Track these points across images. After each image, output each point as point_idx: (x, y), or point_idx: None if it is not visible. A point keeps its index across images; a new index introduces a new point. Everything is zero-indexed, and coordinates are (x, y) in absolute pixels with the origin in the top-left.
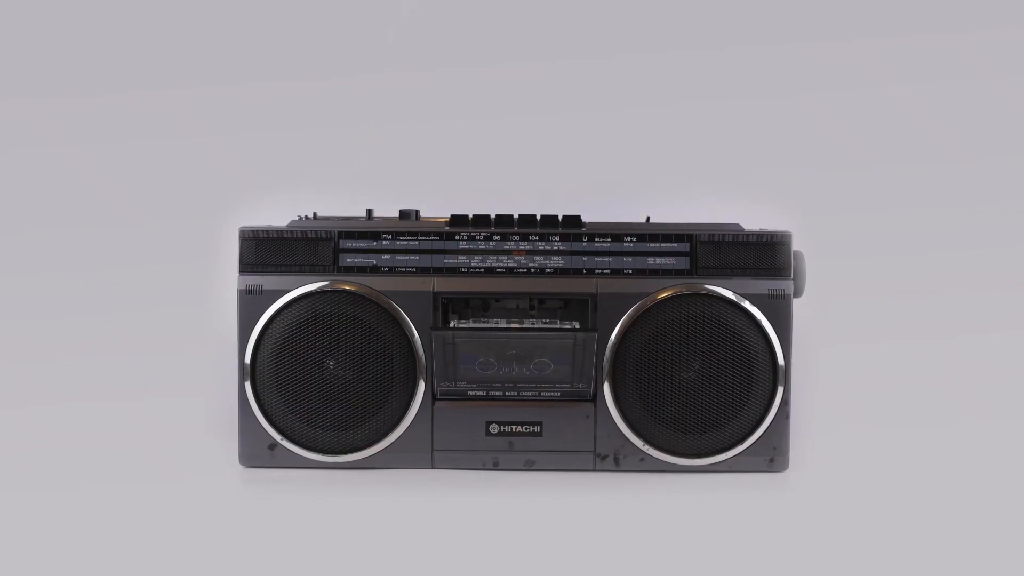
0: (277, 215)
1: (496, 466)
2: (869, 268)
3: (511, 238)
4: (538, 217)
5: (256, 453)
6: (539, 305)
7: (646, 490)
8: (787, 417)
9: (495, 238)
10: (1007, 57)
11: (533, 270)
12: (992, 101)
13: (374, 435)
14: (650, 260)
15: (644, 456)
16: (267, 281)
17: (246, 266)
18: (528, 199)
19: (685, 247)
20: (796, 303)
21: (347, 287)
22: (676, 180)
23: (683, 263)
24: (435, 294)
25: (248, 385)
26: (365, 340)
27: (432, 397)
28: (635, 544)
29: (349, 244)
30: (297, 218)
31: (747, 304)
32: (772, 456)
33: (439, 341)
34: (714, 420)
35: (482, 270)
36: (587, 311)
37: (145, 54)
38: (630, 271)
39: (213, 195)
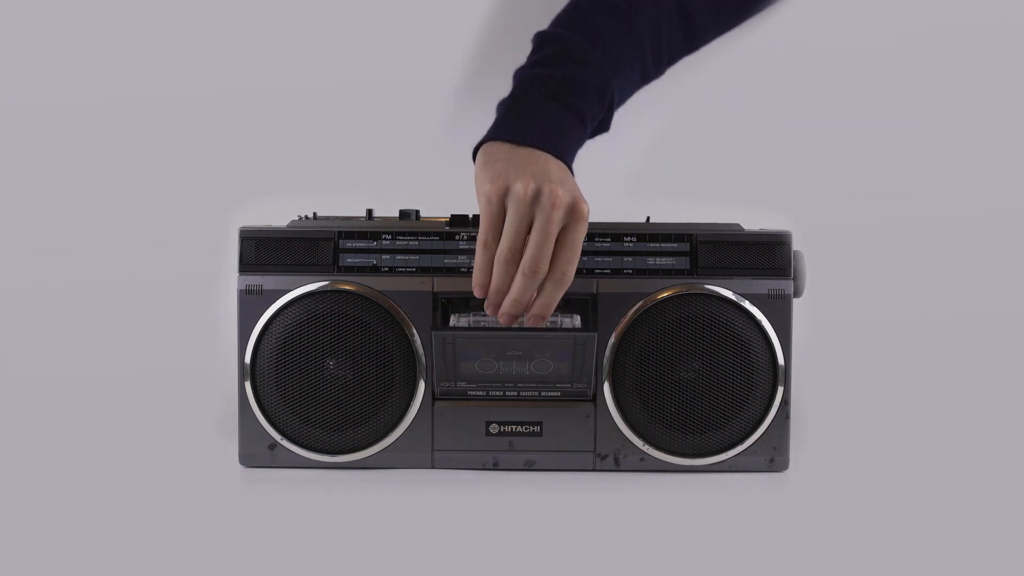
0: (277, 215)
1: (496, 466)
2: (869, 268)
3: None
4: None
5: (256, 453)
6: None
7: (646, 490)
8: (787, 417)
9: None
10: (1008, 56)
11: None
12: (992, 100)
13: (374, 435)
14: (650, 260)
15: (644, 456)
16: (267, 281)
17: (246, 266)
18: None
19: (685, 247)
20: (796, 303)
21: (347, 287)
22: (677, 180)
23: (683, 263)
24: (435, 294)
25: (248, 385)
26: (365, 340)
27: (432, 397)
28: (635, 544)
29: (349, 244)
30: (297, 218)
31: (747, 304)
32: (772, 456)
33: (439, 341)
34: (714, 420)
35: None
36: (587, 311)
37: (145, 55)
38: (630, 271)
39: (213, 195)
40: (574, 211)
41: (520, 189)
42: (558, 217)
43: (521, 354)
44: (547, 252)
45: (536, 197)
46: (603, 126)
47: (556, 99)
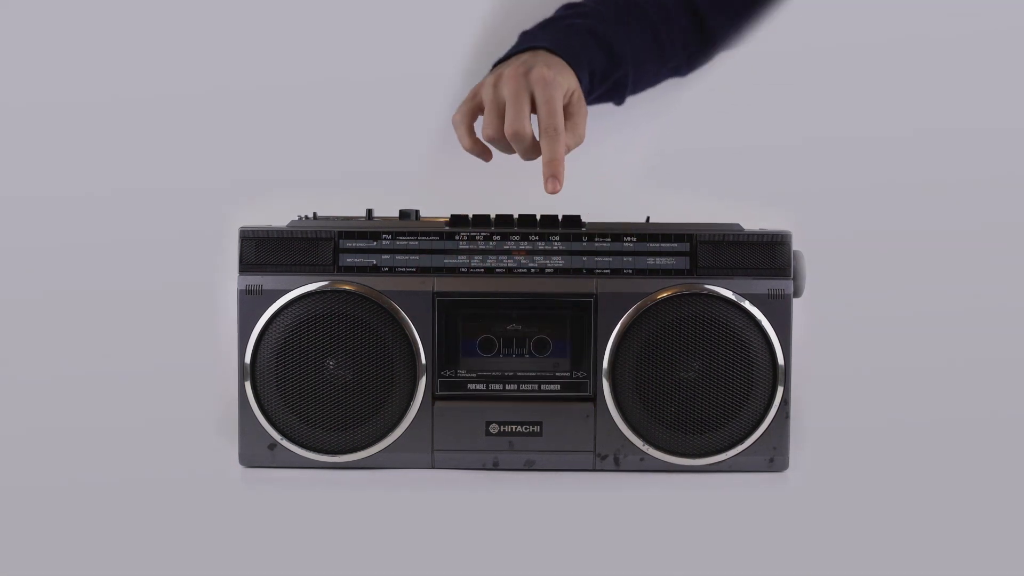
0: (277, 215)
1: (496, 466)
2: (869, 268)
3: (511, 238)
4: (538, 217)
5: (256, 453)
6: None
7: (646, 490)
8: (787, 417)
9: (495, 238)
10: (1007, 56)
11: (533, 270)
12: (994, 100)
13: (374, 435)
14: (650, 260)
15: (644, 456)
16: (267, 281)
17: (246, 266)
18: (528, 199)
19: (685, 247)
20: (796, 303)
21: (347, 287)
22: (677, 180)
23: (683, 263)
24: (435, 294)
25: (248, 385)
26: (365, 340)
27: (432, 397)
28: (635, 544)
29: (349, 244)
30: (297, 218)
31: (747, 304)
32: (772, 456)
33: (442, 307)
34: (714, 420)
35: (482, 270)
36: (587, 311)
37: (146, 55)
38: (630, 271)
39: (213, 195)
40: (531, 77)
41: (491, 80)
42: (520, 85)
43: (521, 328)
44: (520, 114)
45: (499, 79)
46: (617, 82)
47: (566, 23)
